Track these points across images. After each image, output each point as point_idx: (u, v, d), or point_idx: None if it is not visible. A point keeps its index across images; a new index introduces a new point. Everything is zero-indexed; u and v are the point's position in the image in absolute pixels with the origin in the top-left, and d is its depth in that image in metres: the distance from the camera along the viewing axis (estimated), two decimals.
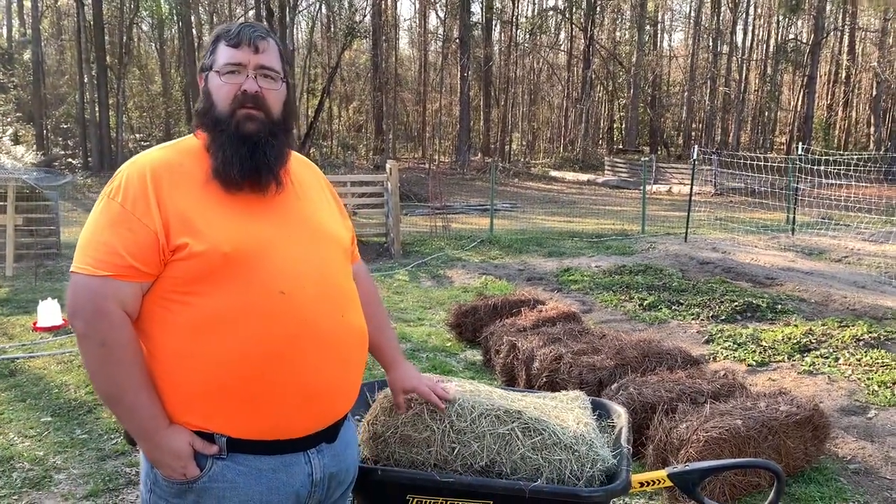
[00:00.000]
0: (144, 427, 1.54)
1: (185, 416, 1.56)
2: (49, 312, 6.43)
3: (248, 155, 1.61)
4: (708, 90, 40.04)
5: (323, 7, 34.74)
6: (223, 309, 1.53)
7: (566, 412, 2.26)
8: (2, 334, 6.32)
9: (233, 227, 1.57)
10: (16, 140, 30.03)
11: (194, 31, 34.28)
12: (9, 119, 30.33)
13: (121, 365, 1.51)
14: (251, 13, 35.86)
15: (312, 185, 1.84)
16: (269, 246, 1.59)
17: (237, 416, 1.56)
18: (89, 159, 29.83)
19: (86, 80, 30.96)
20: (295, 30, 32.26)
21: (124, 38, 31.29)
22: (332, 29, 38.05)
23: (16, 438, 4.10)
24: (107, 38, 30.02)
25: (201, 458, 1.57)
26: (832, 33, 41.10)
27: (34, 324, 6.45)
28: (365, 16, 34.40)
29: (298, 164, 1.83)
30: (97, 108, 30.06)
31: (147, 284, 1.54)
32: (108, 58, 29.88)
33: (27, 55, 32.99)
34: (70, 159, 27.78)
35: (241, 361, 1.53)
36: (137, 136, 34.34)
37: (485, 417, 2.10)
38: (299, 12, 31.57)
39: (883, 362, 5.19)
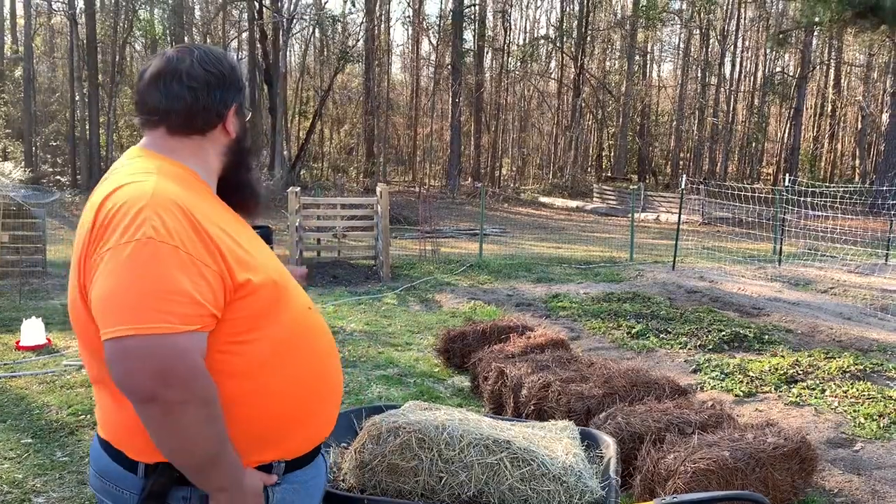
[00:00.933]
0: (236, 476, 1.44)
1: (247, 456, 1.49)
2: (32, 331, 6.35)
3: (258, 192, 1.74)
4: (696, 120, 40.51)
5: (316, 31, 35.00)
6: (284, 336, 1.51)
7: (555, 442, 2.25)
8: None
9: (265, 255, 1.57)
10: (4, 156, 29.92)
11: None
12: None
13: (221, 420, 1.39)
14: (244, 35, 36.06)
15: None
16: (280, 266, 1.62)
17: (294, 439, 1.56)
18: (78, 177, 29.71)
19: (77, 97, 30.94)
20: (288, 52, 32.45)
21: (117, 57, 31.31)
22: (325, 53, 38.29)
23: None
24: (99, 56, 30.03)
25: (264, 491, 1.53)
26: (818, 67, 41.78)
27: (17, 343, 6.37)
28: (358, 40, 34.70)
29: None
30: (88, 126, 30.01)
31: None
32: (100, 76, 29.88)
33: (18, 72, 32.94)
34: (59, 177, 27.68)
35: (307, 381, 1.56)
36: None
37: (473, 447, 2.08)
38: (293, 35, 31.77)
39: (869, 394, 5.20)
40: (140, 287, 1.31)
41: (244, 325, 1.44)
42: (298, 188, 11.73)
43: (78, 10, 29.23)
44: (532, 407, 4.43)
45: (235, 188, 1.68)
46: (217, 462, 1.40)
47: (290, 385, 1.52)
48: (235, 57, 1.68)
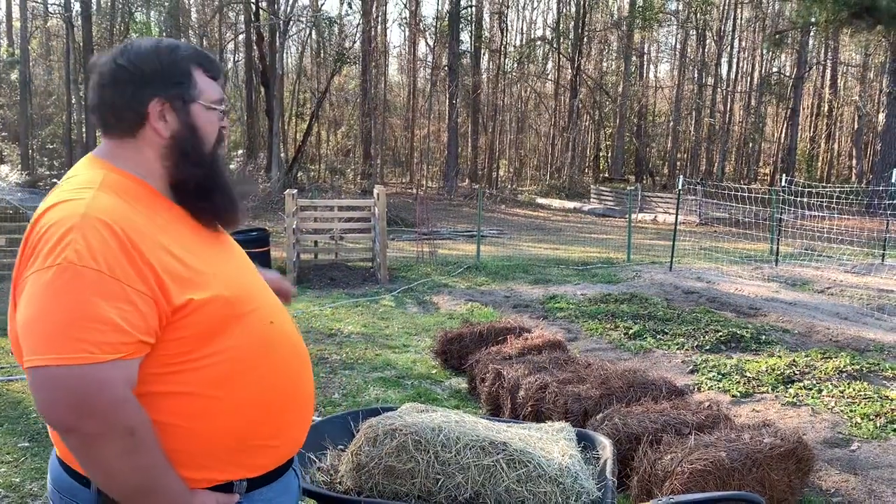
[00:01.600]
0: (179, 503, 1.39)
1: (200, 476, 1.43)
2: None
3: (234, 197, 1.58)
4: (693, 121, 40.59)
5: (313, 32, 35.02)
6: (240, 354, 1.44)
7: (551, 444, 2.25)
8: None
9: (219, 270, 1.47)
10: (1, 160, 29.88)
11: None
12: None
13: (150, 450, 1.33)
14: (241, 37, 36.06)
15: None
16: (244, 279, 1.55)
17: (258, 456, 1.50)
18: None
19: (73, 100, 30.93)
20: (285, 54, 32.44)
21: None
22: (322, 54, 38.31)
23: None
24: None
25: None
26: (815, 67, 41.88)
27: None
28: (355, 42, 34.70)
29: None
30: (84, 129, 29.98)
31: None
32: None
33: (14, 75, 32.93)
34: (55, 180, 27.56)
35: (265, 399, 1.49)
36: None
37: (469, 449, 2.09)
38: (289, 37, 31.78)
39: (865, 394, 5.21)
40: (58, 315, 1.25)
41: (193, 343, 1.38)
42: (295, 190, 11.73)
43: (74, 13, 29.22)
44: (529, 408, 4.43)
45: (198, 195, 1.51)
46: (148, 492, 1.34)
47: (249, 402, 1.46)
48: (195, 49, 1.54)
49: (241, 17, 34.15)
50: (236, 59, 41.59)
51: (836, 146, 45.66)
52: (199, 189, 1.52)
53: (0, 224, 9.45)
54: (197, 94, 1.51)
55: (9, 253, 9.89)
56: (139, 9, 32.46)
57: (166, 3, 31.29)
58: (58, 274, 1.26)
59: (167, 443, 1.38)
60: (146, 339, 1.32)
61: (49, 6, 33.60)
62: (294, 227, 10.62)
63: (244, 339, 1.46)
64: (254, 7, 28.81)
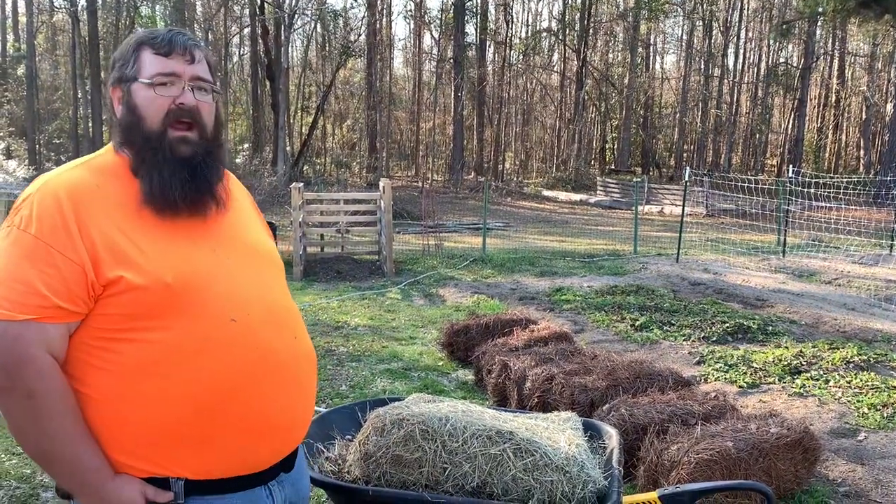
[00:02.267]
0: (87, 481, 1.38)
1: (133, 463, 1.42)
2: None
3: (189, 178, 1.48)
4: (700, 112, 40.43)
5: (318, 26, 34.98)
6: (174, 344, 1.39)
7: (558, 433, 2.26)
8: None
9: (172, 255, 1.43)
10: (8, 154, 29.99)
11: None
12: (1, 133, 30.33)
13: (54, 417, 1.34)
14: (246, 30, 36.06)
15: (245, 202, 1.73)
16: (212, 271, 1.48)
17: (194, 456, 1.43)
18: None
19: (79, 95, 31.01)
20: (290, 48, 32.43)
21: None
22: (328, 48, 38.28)
23: (3, 456, 4.06)
24: (101, 53, 30.05)
25: None
26: (822, 58, 41.64)
27: None
28: (360, 35, 34.65)
29: (233, 183, 1.72)
30: (90, 124, 30.06)
31: (75, 324, 1.38)
32: (102, 73, 29.89)
33: (21, 70, 33.02)
34: None
35: (199, 397, 1.40)
36: None
37: (476, 438, 2.10)
38: (295, 30, 31.75)
39: (873, 385, 5.21)
40: None
41: (119, 322, 1.38)
42: (301, 184, 11.75)
43: (79, 8, 29.27)
44: (536, 399, 4.45)
45: (137, 175, 1.49)
46: (53, 459, 1.37)
47: (176, 396, 1.39)
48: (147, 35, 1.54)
49: (247, 11, 34.12)
50: (241, 53, 41.64)
51: (843, 137, 45.46)
52: (138, 170, 1.49)
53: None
54: (135, 73, 1.51)
55: None
56: (144, 3, 32.52)
57: None
58: (3, 237, 1.38)
59: (91, 417, 1.39)
60: (65, 306, 1.35)
61: (54, 1, 33.67)
62: (300, 220, 10.65)
63: (182, 330, 1.41)
64: (259, 1, 28.78)
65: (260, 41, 30.05)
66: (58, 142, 33.95)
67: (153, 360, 1.39)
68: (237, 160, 30.01)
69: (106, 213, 1.42)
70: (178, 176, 1.47)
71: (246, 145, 33.40)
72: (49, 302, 1.34)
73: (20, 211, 1.40)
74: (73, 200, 1.40)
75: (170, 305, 1.40)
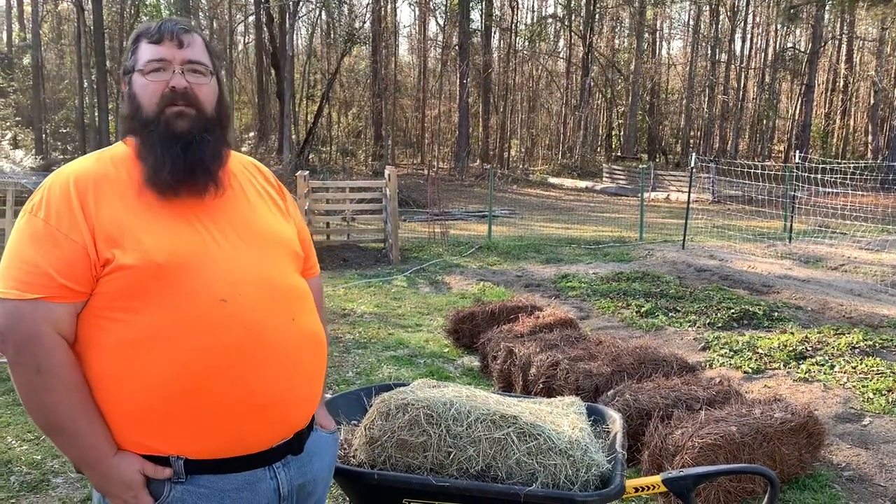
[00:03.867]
0: (88, 457, 1.45)
1: (134, 439, 1.47)
2: None
3: (181, 154, 1.51)
4: (706, 98, 40.19)
5: (323, 13, 34.86)
6: (161, 323, 1.44)
7: (561, 417, 2.28)
8: None
9: (166, 236, 1.48)
10: (15, 144, 30.05)
11: None
12: (8, 123, 30.38)
13: (57, 391, 1.41)
14: (251, 18, 35.98)
15: (258, 185, 1.74)
16: (207, 253, 1.50)
17: (191, 435, 1.47)
18: None
19: (85, 84, 31.02)
20: (295, 35, 32.33)
21: (124, 42, 31.30)
22: (332, 35, 38.15)
23: (14, 442, 4.11)
24: (107, 42, 30.06)
25: (158, 484, 1.47)
26: (830, 42, 41.30)
27: None
28: (365, 22, 34.51)
29: (242, 165, 1.74)
30: (97, 113, 30.09)
31: (81, 304, 1.45)
32: (108, 62, 29.90)
33: (27, 60, 33.04)
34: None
35: (186, 376, 1.44)
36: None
37: (481, 422, 2.12)
38: (299, 18, 31.64)
39: (878, 370, 5.21)
40: (6, 254, 1.45)
41: (112, 301, 1.44)
42: (307, 172, 11.76)
43: None
44: (541, 385, 4.47)
45: (138, 158, 1.55)
46: (58, 432, 1.44)
47: (161, 375, 1.43)
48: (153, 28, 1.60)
49: None
50: (246, 41, 41.57)
51: (851, 122, 45.13)
52: (138, 154, 1.55)
53: (16, 207, 9.54)
54: (133, 64, 1.58)
55: None
56: None
57: None
58: (19, 220, 1.49)
59: (95, 395, 1.46)
60: (69, 285, 1.42)
61: None
62: (306, 208, 10.66)
63: (169, 309, 1.44)
64: None
65: (265, 29, 30.00)
66: (64, 131, 34.01)
67: (136, 339, 1.43)
68: (243, 149, 30.00)
69: (112, 197, 1.49)
70: (170, 153, 1.51)
71: (251, 134, 33.37)
72: (54, 282, 1.41)
73: (34, 197, 1.49)
74: (80, 186, 1.48)
75: (158, 286, 1.44)
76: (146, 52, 1.56)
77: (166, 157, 1.50)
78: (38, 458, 3.90)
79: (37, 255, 1.42)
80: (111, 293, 1.44)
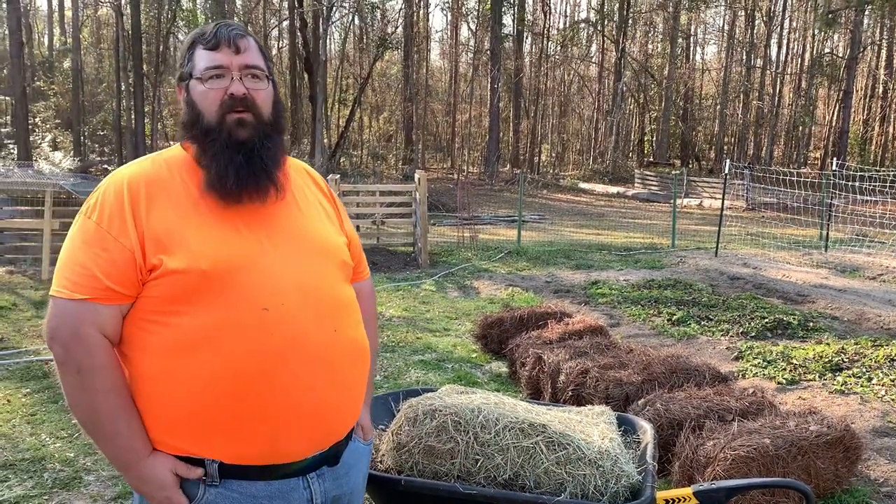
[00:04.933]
0: (125, 458, 1.47)
1: (172, 441, 1.49)
2: None
3: (245, 163, 1.53)
4: (741, 104, 39.64)
5: (356, 18, 35.10)
6: (204, 328, 1.45)
7: (591, 427, 2.25)
8: (37, 336, 6.45)
9: (214, 243, 1.48)
10: (54, 146, 30.72)
11: None
12: (48, 125, 31.07)
13: (98, 392, 1.44)
14: (285, 23, 36.34)
15: (309, 192, 1.74)
16: (253, 261, 1.50)
17: (226, 440, 1.48)
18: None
19: (123, 87, 31.59)
20: (328, 40, 32.61)
21: (161, 47, 31.86)
22: (365, 40, 38.39)
23: (48, 439, 4.18)
24: (144, 47, 30.57)
25: (193, 485, 1.49)
26: (869, 47, 40.49)
27: None
28: (397, 27, 34.67)
29: (295, 170, 1.74)
30: (133, 116, 30.62)
31: (127, 306, 1.47)
32: (144, 66, 30.43)
33: (67, 63, 33.78)
34: (106, 166, 28.33)
35: (225, 382, 1.45)
36: (172, 143, 34.80)
37: (509, 430, 2.10)
38: (333, 23, 31.90)
39: None
40: (62, 255, 1.49)
41: (158, 305, 1.46)
42: (338, 175, 11.84)
43: (123, 2, 29.76)
44: (570, 393, 4.42)
45: (200, 165, 1.56)
46: (94, 430, 1.48)
47: (203, 379, 1.44)
48: (195, 36, 1.61)
49: (285, 4, 34.41)
50: (280, 45, 41.97)
51: (890, 129, 44.14)
52: (199, 160, 1.56)
53: (54, 208, 9.73)
54: (190, 70, 1.58)
55: (63, 236, 10.19)
56: None
57: None
58: (76, 221, 1.52)
59: (136, 395, 1.49)
60: (116, 288, 1.45)
61: None
62: None
63: (212, 315, 1.45)
64: None
65: (298, 34, 30.24)
66: (102, 133, 34.69)
67: (180, 343, 1.45)
68: None
69: (165, 201, 1.51)
70: (233, 162, 1.52)
71: (284, 137, 33.64)
72: (101, 284, 1.44)
73: (90, 199, 1.52)
74: (132, 189, 1.50)
75: (203, 292, 1.45)
76: (203, 58, 1.56)
77: (230, 167, 1.52)
78: (71, 455, 3.96)
79: (86, 257, 1.45)
80: (158, 297, 1.46)
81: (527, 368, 4.96)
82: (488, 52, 35.20)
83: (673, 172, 23.98)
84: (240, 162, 1.52)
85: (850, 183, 12.79)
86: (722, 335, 6.61)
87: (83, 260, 1.45)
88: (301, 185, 1.72)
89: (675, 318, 7.18)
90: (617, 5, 37.91)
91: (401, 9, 34.76)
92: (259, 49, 1.61)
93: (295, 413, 1.51)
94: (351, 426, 1.67)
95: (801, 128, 41.17)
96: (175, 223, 1.48)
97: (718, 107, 40.48)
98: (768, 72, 39.48)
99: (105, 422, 1.46)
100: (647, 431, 2.36)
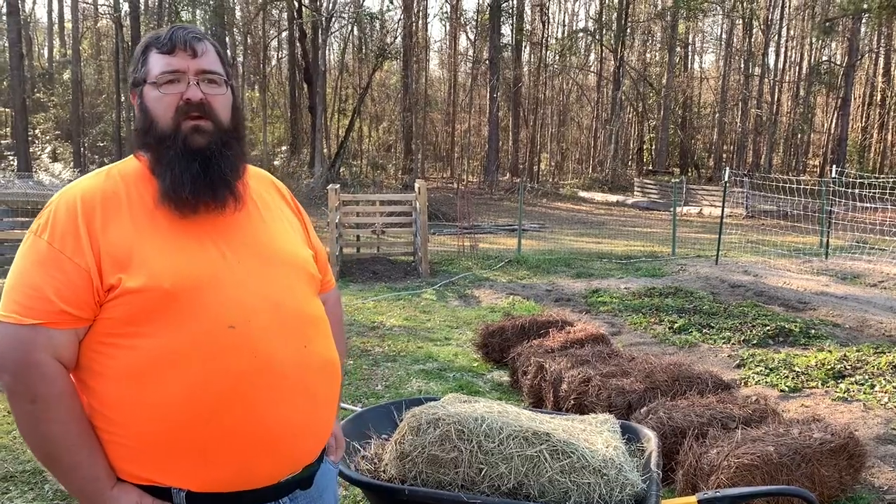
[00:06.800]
0: (86, 489, 1.39)
1: (136, 471, 1.40)
2: None
3: (201, 171, 1.44)
4: (739, 112, 39.73)
5: (355, 29, 35.22)
6: (167, 349, 1.36)
7: (595, 435, 2.24)
8: None
9: (175, 259, 1.40)
10: (54, 157, 30.77)
11: (229, 51, 34.90)
12: (48, 137, 31.13)
13: (55, 423, 1.35)
14: (284, 34, 36.47)
15: (273, 203, 1.65)
16: (217, 276, 1.42)
17: (194, 467, 1.39)
18: None
19: (122, 99, 31.66)
20: (327, 51, 32.74)
21: None
22: (364, 50, 38.50)
23: None
24: None
25: None
26: (867, 55, 40.64)
27: None
28: (396, 37, 34.80)
29: (256, 179, 1.64)
30: (132, 127, 30.66)
31: (83, 330, 1.38)
32: None
33: (67, 75, 33.88)
34: None
35: (190, 406, 1.36)
36: None
37: (513, 439, 2.08)
38: (332, 34, 32.03)
39: None
40: (11, 277, 1.39)
41: (117, 327, 1.37)
42: (338, 185, 11.85)
43: (123, 14, 29.89)
44: (572, 401, 4.41)
45: (154, 174, 1.47)
46: (53, 464, 1.39)
47: (167, 404, 1.36)
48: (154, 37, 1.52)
49: (285, 15, 34.55)
50: (280, 56, 42.12)
51: (889, 136, 44.24)
52: (153, 170, 1.48)
53: None
54: (144, 75, 1.50)
55: None
56: (185, 7, 33.03)
57: (211, 2, 31.79)
58: (24, 241, 1.43)
59: (95, 423, 1.40)
60: (71, 311, 1.35)
61: (99, 6, 34.45)
62: (337, 221, 10.73)
63: (174, 336, 1.37)
64: (297, 4, 29.08)
65: (297, 44, 30.38)
66: (101, 145, 34.73)
67: (142, 366, 1.37)
68: (275, 162, 30.34)
69: (121, 217, 1.42)
70: (189, 170, 1.43)
71: (284, 147, 33.76)
72: (55, 307, 1.34)
73: (40, 218, 1.42)
74: (86, 205, 1.41)
75: (165, 311, 1.37)
76: (158, 62, 1.47)
77: (185, 175, 1.43)
78: None
79: (38, 279, 1.35)
80: (117, 318, 1.37)
81: (528, 377, 4.95)
82: (487, 62, 35.30)
83: (672, 181, 24.02)
84: (196, 170, 1.43)
85: (849, 190, 12.79)
86: (724, 343, 6.61)
87: (35, 282, 1.35)
88: (264, 195, 1.63)
89: (676, 326, 7.18)
90: (615, 15, 38.06)
91: (399, 19, 34.90)
92: (217, 53, 1.53)
93: (266, 435, 1.43)
94: (323, 446, 1.61)
95: (799, 135, 41.27)
96: (133, 239, 1.39)
97: (717, 115, 40.61)
98: (766, 80, 39.61)
99: (64, 454, 1.36)
100: (650, 439, 2.35)
